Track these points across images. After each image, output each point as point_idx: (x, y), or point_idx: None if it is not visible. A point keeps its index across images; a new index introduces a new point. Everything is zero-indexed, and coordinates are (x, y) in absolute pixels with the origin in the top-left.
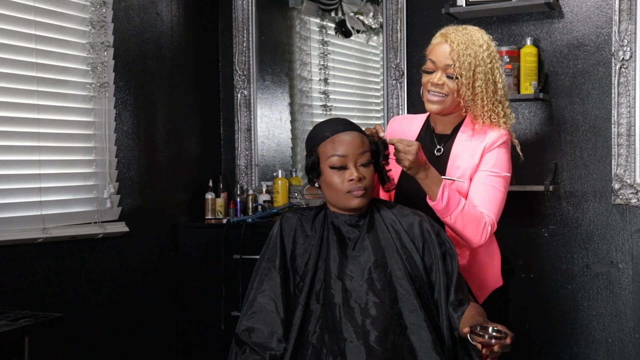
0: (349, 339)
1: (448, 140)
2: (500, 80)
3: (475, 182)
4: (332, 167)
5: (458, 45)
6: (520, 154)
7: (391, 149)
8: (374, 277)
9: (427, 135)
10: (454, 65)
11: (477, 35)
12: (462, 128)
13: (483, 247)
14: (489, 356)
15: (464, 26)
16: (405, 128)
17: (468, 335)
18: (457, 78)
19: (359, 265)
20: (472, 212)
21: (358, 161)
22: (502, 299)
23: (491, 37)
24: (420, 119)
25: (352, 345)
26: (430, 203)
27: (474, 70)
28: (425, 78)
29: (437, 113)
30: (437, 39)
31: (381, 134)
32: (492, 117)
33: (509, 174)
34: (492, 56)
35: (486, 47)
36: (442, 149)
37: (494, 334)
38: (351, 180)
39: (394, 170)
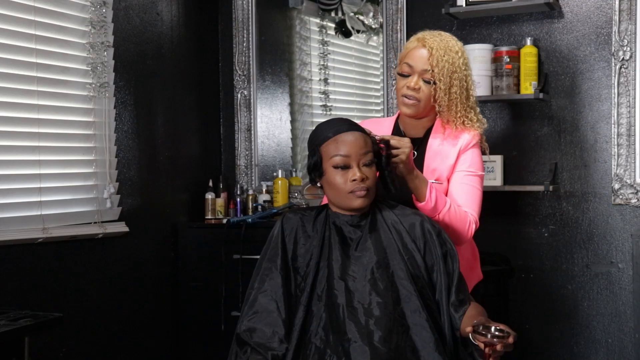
0: (353, 339)
1: (421, 143)
2: (472, 88)
3: (455, 181)
4: (335, 167)
5: (437, 51)
6: (488, 155)
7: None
8: (376, 277)
9: None
10: (433, 70)
11: (452, 42)
12: (432, 132)
13: (468, 246)
14: (492, 355)
15: (438, 32)
16: (375, 132)
17: (470, 334)
18: (434, 83)
19: (361, 266)
20: (457, 211)
21: (361, 161)
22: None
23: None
24: (389, 122)
25: (357, 345)
26: (418, 204)
27: (450, 77)
28: (401, 82)
29: (411, 116)
30: (413, 43)
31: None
32: (466, 122)
33: (484, 173)
34: (465, 63)
35: (461, 54)
36: (416, 153)
37: (497, 333)
38: (354, 180)
39: None
